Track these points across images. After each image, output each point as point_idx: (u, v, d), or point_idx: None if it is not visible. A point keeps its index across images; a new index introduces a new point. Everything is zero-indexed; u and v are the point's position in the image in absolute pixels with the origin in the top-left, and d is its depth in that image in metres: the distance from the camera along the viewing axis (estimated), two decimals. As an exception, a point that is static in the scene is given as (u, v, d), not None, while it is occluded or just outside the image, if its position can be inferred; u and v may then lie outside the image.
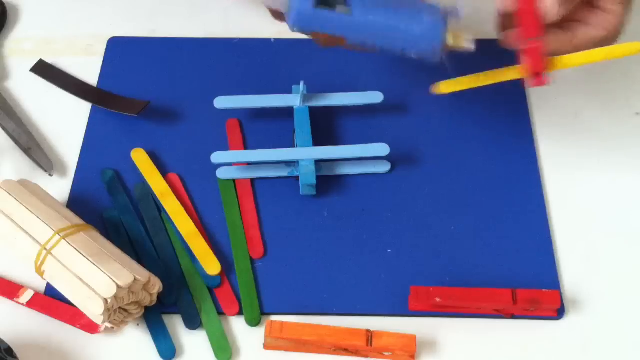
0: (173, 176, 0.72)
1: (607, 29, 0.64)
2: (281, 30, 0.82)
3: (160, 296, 0.64)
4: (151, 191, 0.71)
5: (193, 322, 0.64)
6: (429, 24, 0.57)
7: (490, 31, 0.66)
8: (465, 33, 0.60)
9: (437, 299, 0.63)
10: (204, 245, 0.67)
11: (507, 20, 0.64)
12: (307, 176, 0.69)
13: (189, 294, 0.65)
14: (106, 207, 0.70)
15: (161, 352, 0.63)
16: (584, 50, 0.64)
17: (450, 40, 0.60)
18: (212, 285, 0.66)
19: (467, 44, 0.61)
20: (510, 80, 0.75)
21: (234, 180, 0.72)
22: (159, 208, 0.70)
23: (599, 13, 0.64)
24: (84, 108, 0.77)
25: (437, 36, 0.58)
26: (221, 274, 0.66)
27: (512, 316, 0.64)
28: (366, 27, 0.58)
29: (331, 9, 0.57)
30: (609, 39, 0.65)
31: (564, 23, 0.64)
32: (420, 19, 0.58)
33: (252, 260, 0.67)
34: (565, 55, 0.63)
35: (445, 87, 0.64)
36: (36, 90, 0.79)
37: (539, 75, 0.62)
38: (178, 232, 0.68)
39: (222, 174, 0.72)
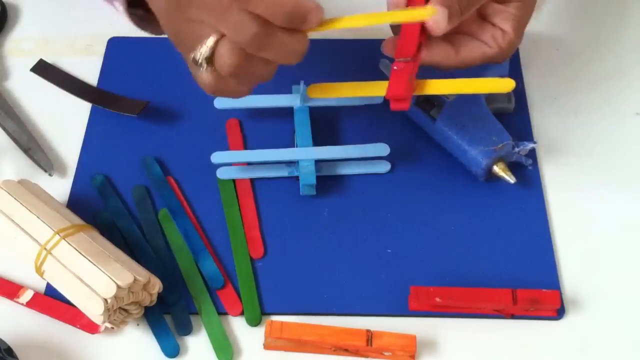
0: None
1: (499, 46, 0.63)
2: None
3: (161, 295, 0.64)
4: (150, 193, 0.71)
5: (184, 329, 0.64)
6: (476, 154, 0.69)
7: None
8: (508, 170, 0.69)
9: (437, 299, 0.63)
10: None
11: (395, 27, 0.62)
12: (307, 176, 0.69)
13: (184, 298, 0.65)
14: (99, 210, 0.70)
15: (165, 350, 0.63)
16: (470, 64, 0.63)
17: (497, 170, 0.69)
18: (215, 286, 0.66)
19: (508, 177, 0.69)
20: (509, 77, 0.76)
21: (234, 180, 0.72)
22: (156, 210, 0.70)
23: (491, 29, 0.63)
24: (84, 108, 0.77)
25: (480, 166, 0.69)
26: (223, 275, 0.66)
27: (512, 316, 0.64)
28: (441, 134, 0.71)
29: (424, 111, 0.71)
30: (499, 57, 0.64)
31: (453, 35, 0.63)
32: (473, 148, 0.69)
33: (252, 260, 0.67)
34: (433, 81, 0.60)
35: (314, 91, 0.62)
36: (36, 90, 0.79)
37: (400, 100, 0.59)
38: (182, 232, 0.68)
39: (222, 174, 0.72)
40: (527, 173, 0.72)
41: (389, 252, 0.68)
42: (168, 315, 0.65)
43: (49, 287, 0.66)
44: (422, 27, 0.59)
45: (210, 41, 0.53)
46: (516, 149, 0.69)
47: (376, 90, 0.60)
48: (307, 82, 0.73)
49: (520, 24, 0.64)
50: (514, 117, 0.75)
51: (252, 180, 0.72)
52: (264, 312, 0.65)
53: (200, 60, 0.54)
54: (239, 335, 0.64)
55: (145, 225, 0.69)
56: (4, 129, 0.75)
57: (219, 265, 0.67)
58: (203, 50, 0.54)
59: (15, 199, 0.65)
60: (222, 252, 0.68)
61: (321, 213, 0.70)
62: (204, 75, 0.55)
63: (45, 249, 0.62)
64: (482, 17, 0.64)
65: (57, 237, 0.62)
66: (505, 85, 0.58)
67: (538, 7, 0.73)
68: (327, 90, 0.63)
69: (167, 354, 0.63)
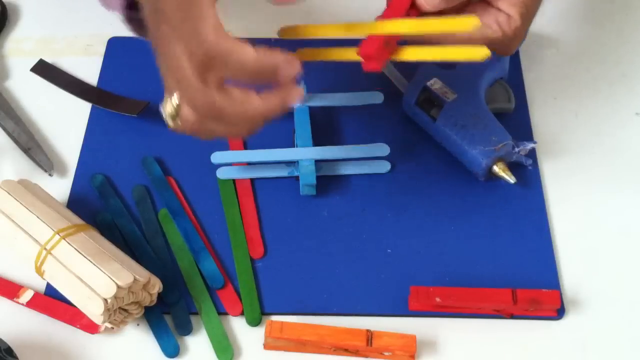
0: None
1: (503, 31, 0.60)
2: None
3: (161, 295, 0.64)
4: (150, 193, 0.71)
5: (184, 328, 0.64)
6: (476, 154, 0.69)
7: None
8: (508, 170, 0.69)
9: (437, 299, 0.63)
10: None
11: None
12: (307, 176, 0.69)
13: (184, 298, 0.65)
14: (99, 210, 0.70)
15: (165, 350, 0.63)
16: (472, 44, 0.59)
17: (497, 169, 0.69)
18: (215, 286, 0.66)
19: (508, 177, 0.69)
20: (509, 77, 0.76)
21: (234, 180, 0.72)
22: (156, 210, 0.70)
23: (495, 13, 0.61)
24: (84, 108, 0.77)
25: (480, 166, 0.69)
26: (223, 275, 0.66)
27: (512, 316, 0.64)
28: (441, 134, 0.71)
29: (424, 111, 0.72)
30: (502, 43, 0.61)
31: (458, 14, 0.60)
32: (473, 148, 0.69)
33: (252, 260, 0.67)
34: (410, 47, 0.58)
35: (300, 55, 0.60)
36: (36, 90, 0.79)
37: (372, 60, 0.57)
38: (182, 232, 0.68)
39: (222, 174, 0.72)
40: (527, 173, 0.72)
41: (389, 252, 0.68)
42: (168, 315, 0.65)
43: (49, 287, 0.66)
44: (413, 2, 0.58)
45: (175, 99, 0.56)
46: (516, 149, 0.69)
47: (347, 54, 0.59)
48: (307, 82, 0.74)
49: (528, 11, 0.61)
50: (514, 117, 0.75)
51: (252, 180, 0.72)
52: (264, 312, 0.65)
53: (165, 117, 0.57)
54: (239, 335, 0.64)
55: (145, 225, 0.69)
56: (4, 129, 0.75)
57: (219, 265, 0.67)
58: (168, 108, 0.56)
59: (15, 199, 0.65)
60: (222, 252, 0.68)
61: (321, 213, 0.70)
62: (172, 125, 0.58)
63: (45, 249, 0.62)
64: (488, 2, 0.62)
65: (57, 237, 0.62)
66: (480, 53, 0.56)
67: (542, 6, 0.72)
68: (309, 54, 0.61)
69: (167, 354, 0.63)
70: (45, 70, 0.79)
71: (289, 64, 0.55)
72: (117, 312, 0.61)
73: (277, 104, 0.56)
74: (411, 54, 0.59)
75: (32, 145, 0.74)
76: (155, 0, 0.55)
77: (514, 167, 0.70)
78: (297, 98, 0.57)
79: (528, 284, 0.65)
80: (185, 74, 0.54)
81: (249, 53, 0.54)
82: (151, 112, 0.76)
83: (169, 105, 0.56)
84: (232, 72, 0.54)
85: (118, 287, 0.59)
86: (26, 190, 0.66)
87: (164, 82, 0.57)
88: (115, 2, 0.59)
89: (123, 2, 0.59)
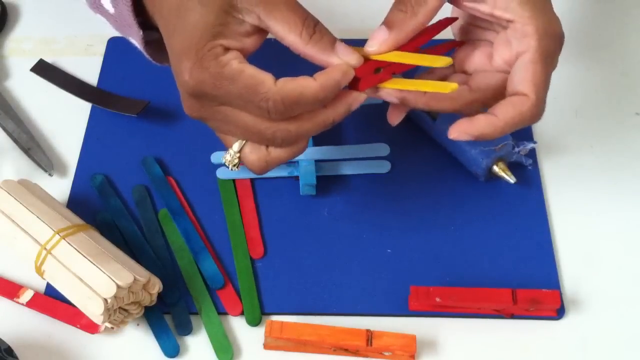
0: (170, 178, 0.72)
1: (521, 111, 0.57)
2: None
3: (161, 295, 0.64)
4: (150, 193, 0.71)
5: (184, 328, 0.64)
6: (476, 154, 0.69)
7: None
8: (508, 170, 0.70)
9: (437, 299, 0.63)
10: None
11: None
12: (307, 176, 0.69)
13: (184, 298, 0.65)
14: (99, 210, 0.70)
15: (165, 350, 0.63)
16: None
17: (497, 169, 0.69)
18: (215, 286, 0.66)
19: (508, 177, 0.69)
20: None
21: (233, 180, 0.72)
22: (156, 210, 0.70)
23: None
24: (84, 108, 0.77)
25: (480, 166, 0.69)
26: (223, 275, 0.66)
27: (512, 316, 0.64)
28: (441, 134, 0.70)
29: (424, 111, 0.71)
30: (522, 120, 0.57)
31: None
32: (473, 147, 0.69)
33: (252, 260, 0.67)
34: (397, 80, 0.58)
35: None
36: (36, 90, 0.79)
37: (358, 81, 0.56)
38: (182, 232, 0.68)
39: (222, 174, 0.72)
40: (527, 173, 0.72)
41: (389, 252, 0.68)
42: (168, 315, 0.65)
43: (49, 287, 0.66)
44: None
45: (236, 146, 0.56)
46: (516, 149, 0.69)
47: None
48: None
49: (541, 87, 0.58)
50: (514, 117, 0.75)
51: (252, 180, 0.72)
52: (264, 312, 0.65)
53: (230, 167, 0.57)
54: (239, 335, 0.64)
55: (145, 225, 0.69)
56: (4, 129, 0.75)
57: (219, 265, 0.67)
58: (230, 158, 0.56)
59: (15, 199, 0.65)
60: (222, 252, 0.68)
61: (321, 213, 0.70)
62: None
63: (45, 249, 0.62)
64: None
65: (57, 237, 0.62)
66: (449, 87, 0.55)
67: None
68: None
69: (167, 354, 0.63)
70: (45, 70, 0.79)
71: (346, 75, 0.54)
72: (117, 312, 0.61)
73: (343, 112, 0.56)
74: (393, 84, 0.58)
75: (32, 145, 0.74)
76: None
77: (514, 167, 0.70)
78: (361, 101, 0.57)
79: (528, 284, 0.65)
80: (254, 127, 0.53)
81: (311, 87, 0.52)
82: (151, 112, 0.76)
83: (230, 157, 0.56)
84: (303, 109, 0.53)
85: (118, 287, 0.59)
86: (26, 190, 0.66)
87: (221, 138, 0.57)
88: (133, 30, 0.59)
89: (139, 29, 0.58)
